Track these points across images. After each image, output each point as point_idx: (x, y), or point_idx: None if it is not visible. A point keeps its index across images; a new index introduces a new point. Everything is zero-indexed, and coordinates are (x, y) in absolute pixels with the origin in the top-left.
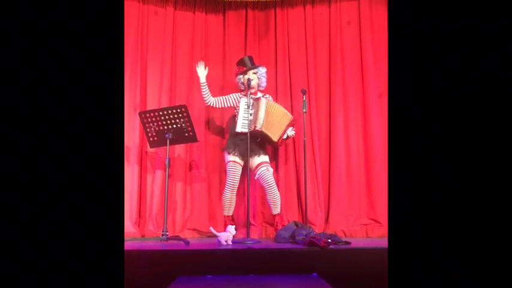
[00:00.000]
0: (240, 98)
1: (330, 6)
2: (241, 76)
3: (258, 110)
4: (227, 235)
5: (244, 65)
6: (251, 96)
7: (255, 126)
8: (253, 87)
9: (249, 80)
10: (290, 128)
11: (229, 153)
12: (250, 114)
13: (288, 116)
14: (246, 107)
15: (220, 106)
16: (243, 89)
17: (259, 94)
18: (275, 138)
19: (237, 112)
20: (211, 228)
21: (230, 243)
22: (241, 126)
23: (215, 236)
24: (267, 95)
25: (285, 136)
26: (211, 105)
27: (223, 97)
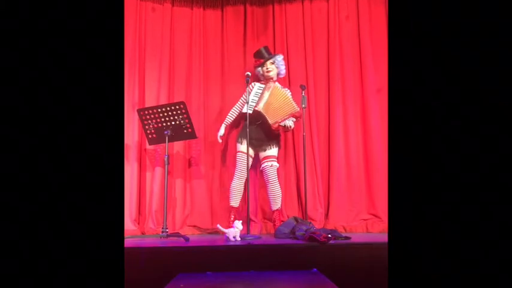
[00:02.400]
0: (255, 85)
1: (328, 1)
2: (259, 68)
3: (263, 92)
4: (235, 231)
5: (261, 56)
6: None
7: (256, 106)
8: (271, 77)
9: (268, 70)
10: (291, 118)
11: (239, 143)
12: (257, 97)
13: (292, 106)
14: (256, 90)
15: (241, 107)
16: (262, 80)
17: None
18: (271, 121)
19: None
20: (218, 225)
21: (238, 238)
22: (247, 108)
23: (222, 232)
24: (286, 89)
25: (283, 123)
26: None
27: (240, 100)
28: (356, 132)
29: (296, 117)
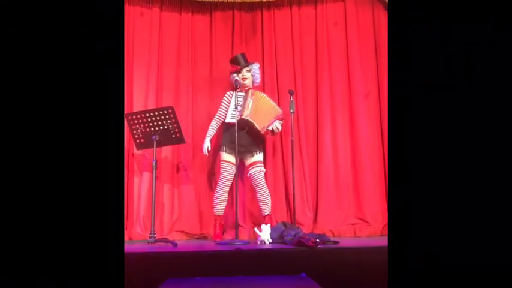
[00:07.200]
0: (233, 94)
1: (316, 8)
2: (235, 74)
3: (246, 99)
4: (267, 234)
5: (238, 63)
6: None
7: (242, 115)
8: (246, 86)
9: (236, 81)
10: (277, 121)
11: (222, 151)
12: (240, 106)
13: (275, 109)
14: (237, 100)
15: (223, 118)
16: (238, 86)
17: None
18: (259, 127)
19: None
20: (255, 229)
21: (270, 240)
22: (230, 117)
23: (257, 236)
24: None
25: (270, 127)
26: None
27: (219, 110)
28: (344, 137)
29: (281, 119)
